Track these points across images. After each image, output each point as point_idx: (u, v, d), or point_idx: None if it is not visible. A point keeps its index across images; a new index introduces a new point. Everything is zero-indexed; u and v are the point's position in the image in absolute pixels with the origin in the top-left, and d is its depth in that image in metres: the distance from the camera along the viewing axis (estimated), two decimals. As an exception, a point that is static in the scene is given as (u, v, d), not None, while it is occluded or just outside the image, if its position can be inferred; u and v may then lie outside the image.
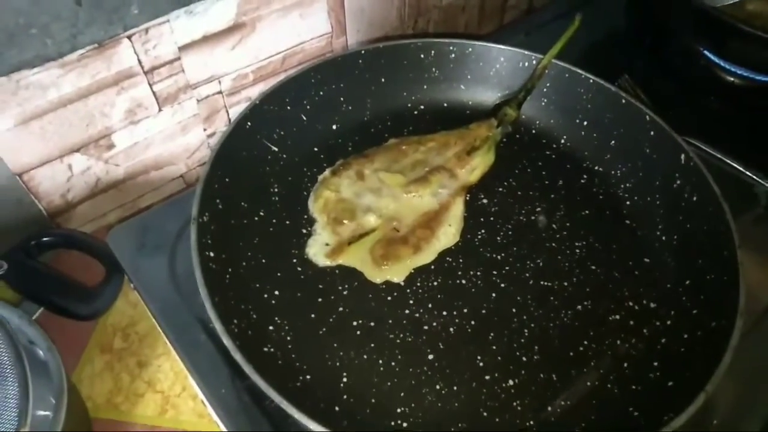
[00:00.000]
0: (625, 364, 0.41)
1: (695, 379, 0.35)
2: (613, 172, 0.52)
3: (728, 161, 0.54)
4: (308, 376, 0.38)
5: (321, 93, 0.53)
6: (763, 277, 0.48)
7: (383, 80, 0.55)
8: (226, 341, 0.34)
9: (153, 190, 0.62)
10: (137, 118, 0.55)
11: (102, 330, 0.54)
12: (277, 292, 0.43)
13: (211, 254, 0.40)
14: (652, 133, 0.50)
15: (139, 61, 0.51)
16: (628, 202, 0.51)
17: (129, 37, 0.49)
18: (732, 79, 0.64)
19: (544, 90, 0.56)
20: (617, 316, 0.43)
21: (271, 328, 0.41)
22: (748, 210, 0.53)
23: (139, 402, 0.50)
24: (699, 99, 0.65)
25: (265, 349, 0.38)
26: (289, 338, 0.40)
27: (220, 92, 0.59)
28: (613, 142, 0.53)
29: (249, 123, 0.47)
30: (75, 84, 0.48)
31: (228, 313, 0.36)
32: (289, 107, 0.51)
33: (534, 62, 0.55)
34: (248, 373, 0.33)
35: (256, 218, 0.46)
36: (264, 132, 0.49)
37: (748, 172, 0.54)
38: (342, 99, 0.54)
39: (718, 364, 0.35)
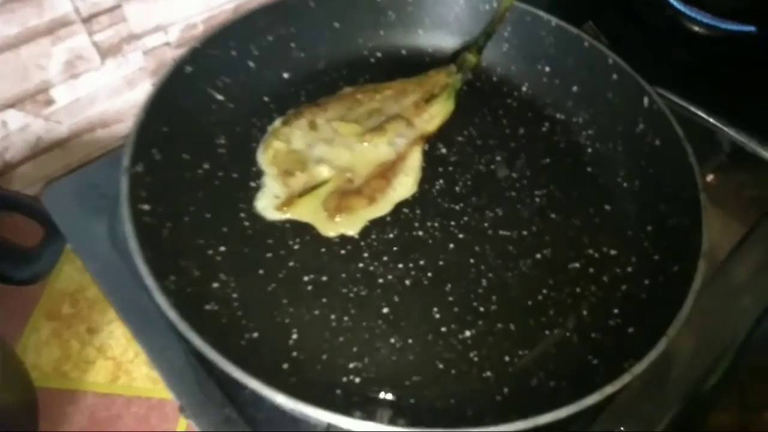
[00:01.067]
0: (585, 312, 0.40)
1: (656, 325, 0.34)
2: (574, 120, 0.51)
3: (692, 109, 0.53)
4: (255, 334, 0.37)
5: (269, 38, 0.50)
6: (723, 227, 0.48)
7: (337, 25, 0.52)
8: (159, 298, 0.32)
9: (101, 149, 0.58)
10: (77, 72, 0.51)
11: (49, 296, 0.52)
12: (222, 248, 0.40)
13: (146, 207, 0.37)
14: (614, 76, 0.48)
15: (75, 8, 0.48)
16: (589, 150, 0.49)
17: (60, -20, 0.45)
18: (697, 28, 0.63)
19: (505, 35, 0.53)
20: (577, 264, 0.42)
21: (215, 285, 0.38)
22: (711, 158, 0.52)
23: (90, 369, 0.49)
24: (664, 49, 0.64)
25: (207, 307, 0.36)
26: (235, 295, 0.38)
27: (167, 44, 0.56)
28: (575, 87, 0.51)
29: (189, 68, 0.44)
30: (2, 32, 0.45)
31: (164, 269, 0.34)
32: (234, 53, 0.48)
33: (495, 5, 0.53)
34: (182, 332, 0.30)
35: (200, 171, 0.44)
36: (207, 79, 0.46)
37: (711, 119, 0.53)
38: (293, 45, 0.51)
39: (679, 309, 0.34)
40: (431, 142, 0.49)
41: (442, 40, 0.55)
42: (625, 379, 0.31)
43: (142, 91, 0.57)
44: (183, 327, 0.31)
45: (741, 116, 0.52)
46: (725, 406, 0.40)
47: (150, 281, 0.32)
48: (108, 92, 0.55)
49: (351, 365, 0.36)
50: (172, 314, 0.31)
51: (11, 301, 0.50)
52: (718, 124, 0.53)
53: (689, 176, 0.42)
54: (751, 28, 0.58)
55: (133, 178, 0.37)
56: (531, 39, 0.52)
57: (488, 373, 0.37)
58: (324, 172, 0.45)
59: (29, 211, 0.48)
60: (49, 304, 0.52)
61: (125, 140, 0.58)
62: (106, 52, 0.52)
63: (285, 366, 0.35)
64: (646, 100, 0.46)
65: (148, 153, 0.40)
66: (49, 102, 0.51)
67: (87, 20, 0.49)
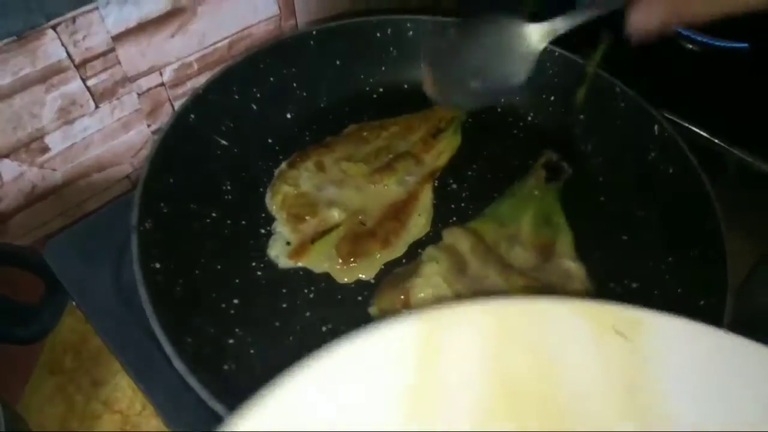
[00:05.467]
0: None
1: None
2: (583, 148, 0.50)
3: (696, 130, 0.52)
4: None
5: (271, 79, 0.49)
6: (738, 248, 0.46)
7: (338, 63, 0.52)
8: (179, 366, 0.30)
9: (97, 193, 0.57)
10: (72, 117, 0.50)
11: (50, 350, 0.50)
12: (236, 301, 0.39)
13: (157, 266, 0.36)
14: (622, 104, 0.48)
15: (68, 54, 0.47)
16: (600, 178, 0.49)
17: (54, 28, 0.44)
18: (691, 46, 0.63)
19: (508, 65, 0.53)
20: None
21: (231, 341, 0.37)
22: (718, 180, 0.52)
23: (96, 425, 0.46)
24: (659, 69, 0.64)
25: (225, 367, 0.35)
26: (252, 351, 0.37)
27: (162, 84, 0.55)
28: (582, 116, 0.51)
29: (192, 115, 0.43)
30: (-5, 82, 0.44)
31: (180, 331, 0.33)
32: (236, 96, 0.47)
33: (496, 36, 0.52)
34: (205, 399, 0.29)
35: (208, 220, 0.42)
36: (210, 124, 0.45)
37: (716, 140, 0.53)
38: (295, 85, 0.51)
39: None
40: (441, 177, 0.48)
41: (445, 72, 0.54)
42: None
43: (138, 133, 0.56)
44: (205, 395, 0.29)
45: (743, 135, 0.52)
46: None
47: (168, 348, 0.31)
48: (103, 136, 0.54)
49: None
50: (194, 381, 0.30)
51: (12, 358, 0.48)
52: (723, 145, 0.52)
53: (707, 205, 0.41)
54: (744, 45, 0.59)
55: (142, 235, 0.36)
56: (535, 69, 0.52)
57: None
58: (335, 215, 0.44)
59: (26, 264, 0.47)
60: (51, 358, 0.50)
61: (123, 183, 0.58)
62: (101, 96, 0.51)
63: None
64: (656, 128, 0.46)
65: (157, 207, 0.38)
66: (44, 150, 0.50)
67: (80, 65, 0.48)
